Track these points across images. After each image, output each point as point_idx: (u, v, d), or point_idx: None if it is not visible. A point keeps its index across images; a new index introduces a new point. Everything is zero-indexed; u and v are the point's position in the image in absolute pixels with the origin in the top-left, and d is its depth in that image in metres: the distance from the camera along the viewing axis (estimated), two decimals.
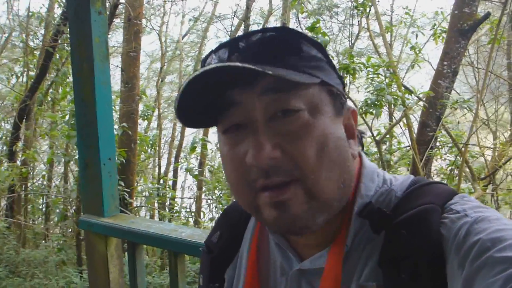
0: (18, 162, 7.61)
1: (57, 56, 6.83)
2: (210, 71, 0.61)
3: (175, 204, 8.54)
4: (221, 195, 8.96)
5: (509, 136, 8.48)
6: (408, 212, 0.64)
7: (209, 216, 9.33)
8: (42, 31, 8.13)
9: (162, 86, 13.66)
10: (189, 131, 13.30)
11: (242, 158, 0.65)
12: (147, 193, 7.02)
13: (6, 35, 10.06)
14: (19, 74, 8.61)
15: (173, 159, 12.47)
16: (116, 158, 2.06)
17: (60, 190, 8.72)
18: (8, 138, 7.64)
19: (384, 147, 6.96)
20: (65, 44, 6.56)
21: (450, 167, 6.14)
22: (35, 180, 8.94)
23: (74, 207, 6.36)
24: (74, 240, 6.21)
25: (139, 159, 7.87)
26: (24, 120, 7.26)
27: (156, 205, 7.93)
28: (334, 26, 10.51)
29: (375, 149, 5.56)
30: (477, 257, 0.54)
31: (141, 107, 8.01)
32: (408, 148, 6.59)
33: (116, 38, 11.32)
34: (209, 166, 11.50)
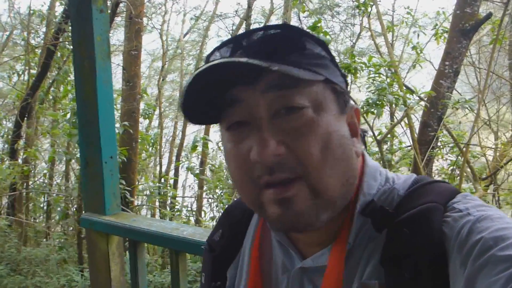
0: (20, 160, 7.63)
1: (59, 54, 6.83)
2: (216, 66, 0.62)
3: (176, 203, 8.54)
4: (222, 194, 8.96)
5: (510, 137, 8.48)
6: (411, 210, 0.64)
7: (210, 215, 9.34)
8: (44, 29, 8.13)
9: (163, 84, 13.67)
10: (190, 130, 13.33)
11: (246, 155, 0.65)
12: (148, 192, 7.02)
13: (8, 33, 10.08)
14: (20, 72, 8.62)
15: (174, 158, 12.48)
16: (118, 156, 2.06)
17: (62, 188, 8.73)
18: (9, 136, 7.64)
19: (385, 146, 6.97)
20: (67, 42, 6.57)
21: (451, 167, 6.13)
22: (36, 178, 8.96)
23: (75, 206, 6.37)
24: (75, 239, 6.22)
25: (140, 158, 7.87)
26: (25, 118, 7.26)
27: (157, 204, 7.94)
28: (335, 26, 10.51)
29: (376, 149, 5.56)
30: (480, 256, 0.54)
31: (142, 105, 8.00)
32: (409, 148, 6.59)
33: (117, 36, 11.33)
34: (210, 165, 11.50)
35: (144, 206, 8.02)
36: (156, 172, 12.05)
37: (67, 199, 7.25)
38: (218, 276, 0.86)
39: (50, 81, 7.59)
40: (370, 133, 5.11)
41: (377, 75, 4.65)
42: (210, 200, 10.21)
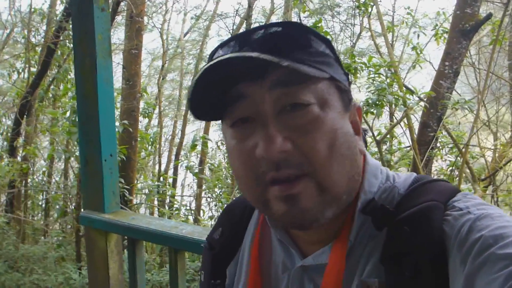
0: (19, 158, 7.62)
1: (59, 52, 6.82)
2: (226, 61, 0.62)
3: (175, 202, 8.54)
4: (221, 193, 8.96)
5: (509, 137, 8.48)
6: (411, 209, 0.65)
7: (209, 214, 9.34)
8: (44, 27, 8.13)
9: (163, 84, 13.67)
10: (189, 129, 13.33)
11: (251, 151, 0.65)
12: (147, 191, 7.02)
13: (8, 31, 10.07)
14: (20, 70, 8.61)
15: (173, 157, 12.48)
16: (117, 155, 2.06)
17: (60, 186, 8.73)
18: (9, 134, 7.64)
19: (384, 147, 6.97)
20: (67, 41, 6.57)
21: (451, 168, 6.14)
22: (35, 176, 8.94)
23: (74, 204, 6.36)
24: (74, 237, 6.21)
25: (139, 157, 7.87)
26: (25, 116, 7.26)
27: (156, 202, 7.94)
28: (335, 26, 10.49)
29: (376, 149, 5.57)
30: (479, 254, 0.54)
31: (142, 104, 8.00)
32: (408, 148, 6.59)
33: (117, 35, 11.32)
34: (210, 164, 11.50)
35: (143, 205, 8.02)
36: (155, 171, 12.05)
37: (66, 197, 7.25)
38: (217, 274, 0.86)
39: (50, 79, 7.59)
40: (370, 133, 5.11)
41: (377, 75, 4.65)
42: (209, 199, 10.22)
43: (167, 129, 14.99)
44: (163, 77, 13.21)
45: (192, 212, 9.32)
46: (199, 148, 8.25)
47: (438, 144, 5.88)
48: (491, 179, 6.65)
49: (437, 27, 6.55)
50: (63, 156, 5.58)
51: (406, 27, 9.17)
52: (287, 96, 0.64)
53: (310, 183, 0.63)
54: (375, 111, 4.36)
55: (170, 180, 10.63)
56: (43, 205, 8.67)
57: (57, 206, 6.36)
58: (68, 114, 4.98)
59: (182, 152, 12.08)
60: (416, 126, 5.51)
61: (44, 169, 8.50)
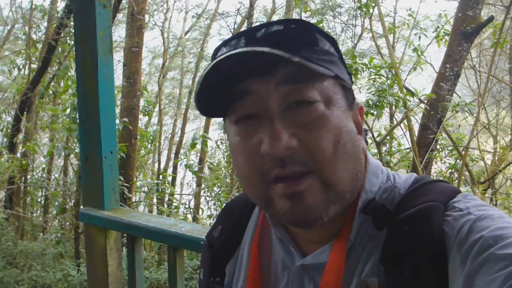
0: (18, 154, 7.62)
1: (60, 49, 6.82)
2: (232, 57, 0.62)
3: (174, 200, 8.54)
4: (220, 192, 8.96)
5: (509, 141, 8.48)
6: (411, 209, 0.65)
7: (208, 213, 9.34)
8: (45, 24, 8.13)
9: (164, 82, 13.67)
10: (189, 127, 13.34)
11: (256, 148, 0.65)
12: (146, 189, 7.02)
13: (9, 27, 10.07)
14: (21, 67, 8.61)
15: (173, 155, 12.47)
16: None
17: (60, 183, 8.72)
18: (9, 130, 7.64)
19: (384, 148, 6.97)
20: (68, 38, 6.56)
21: (450, 170, 6.14)
22: (34, 173, 8.94)
23: (73, 200, 6.36)
24: (72, 233, 6.21)
25: (139, 154, 7.87)
26: (25, 112, 7.25)
27: (155, 200, 7.93)
28: (337, 26, 10.50)
29: (375, 150, 5.57)
30: (479, 254, 0.55)
31: (142, 102, 8.00)
32: (408, 150, 6.60)
33: (118, 33, 11.31)
34: (209, 163, 11.51)
35: (142, 203, 8.02)
36: (154, 169, 12.05)
37: (65, 194, 7.25)
38: (217, 272, 0.86)
39: (51, 76, 7.58)
40: (370, 134, 5.12)
41: (377, 76, 4.65)
42: (208, 198, 10.22)
43: (167, 127, 15.00)
44: (164, 76, 13.21)
45: (191, 210, 9.32)
46: (198, 146, 8.27)
47: (438, 146, 5.88)
48: (490, 182, 6.65)
49: (438, 29, 6.55)
50: (63, 153, 5.58)
51: (408, 28, 9.16)
52: (293, 93, 0.64)
53: (315, 181, 0.63)
54: (375, 112, 4.37)
55: (170, 179, 10.62)
56: (42, 202, 8.66)
57: (56, 203, 6.35)
58: (68, 111, 4.99)
59: (182, 151, 12.09)
60: (416, 128, 5.51)
61: (43, 165, 8.50)
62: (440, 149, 6.22)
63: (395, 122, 6.40)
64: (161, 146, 12.32)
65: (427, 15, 8.62)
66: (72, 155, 6.19)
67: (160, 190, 6.39)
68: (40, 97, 7.56)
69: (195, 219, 8.32)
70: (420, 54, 6.90)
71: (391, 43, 8.30)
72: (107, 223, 1.94)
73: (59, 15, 6.83)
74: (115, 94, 2.10)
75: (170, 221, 1.76)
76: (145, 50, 12.06)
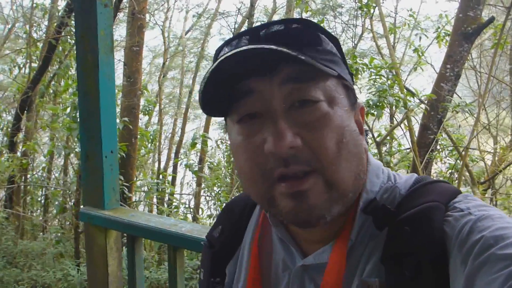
0: (19, 153, 7.61)
1: (60, 48, 6.82)
2: (234, 55, 0.62)
3: (174, 200, 8.54)
4: (220, 192, 8.96)
5: (509, 141, 8.48)
6: (412, 209, 0.65)
7: (208, 212, 9.34)
8: (46, 23, 8.13)
9: (164, 81, 13.67)
10: (189, 127, 13.34)
11: (259, 148, 0.65)
12: (146, 188, 7.03)
13: (10, 25, 10.06)
14: (21, 65, 8.61)
15: (173, 155, 12.48)
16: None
17: (60, 182, 8.72)
18: (9, 129, 7.64)
19: (384, 148, 6.97)
20: (68, 37, 6.56)
21: (450, 171, 6.14)
22: (35, 172, 8.94)
23: (73, 200, 6.36)
24: (72, 233, 6.21)
25: (139, 154, 7.87)
26: (25, 111, 7.25)
27: (155, 200, 7.93)
28: (337, 26, 10.51)
29: (375, 150, 5.57)
30: (480, 254, 0.55)
31: (142, 101, 8.00)
32: (408, 150, 6.60)
33: (119, 32, 11.32)
34: (209, 163, 11.51)
35: (142, 202, 8.02)
36: (154, 169, 12.05)
37: (65, 193, 7.25)
38: (217, 272, 0.86)
39: (51, 75, 7.58)
40: (370, 134, 5.12)
41: (378, 76, 4.66)
42: (208, 197, 10.22)
43: (167, 127, 15.01)
44: (164, 75, 13.20)
45: (191, 210, 9.33)
46: (198, 146, 8.27)
47: (438, 147, 5.88)
48: (490, 182, 6.66)
49: (439, 30, 6.56)
50: (63, 152, 5.57)
51: (408, 29, 9.18)
52: (297, 92, 0.64)
53: (319, 180, 0.63)
54: (375, 113, 4.37)
55: (170, 178, 10.63)
56: (42, 201, 8.66)
57: (56, 202, 6.36)
58: (68, 110, 4.98)
59: (182, 150, 12.10)
60: (416, 128, 5.51)
61: (44, 165, 8.50)
62: (440, 150, 6.23)
63: (395, 122, 6.40)
64: (161, 146, 12.34)
65: (427, 16, 8.63)
66: (72, 155, 6.19)
67: (160, 189, 6.39)
68: (41, 96, 7.57)
69: (195, 219, 8.32)
70: (420, 54, 6.91)
71: (392, 44, 8.30)
72: (107, 222, 1.94)
73: (60, 14, 6.83)
74: (115, 93, 2.10)
75: (170, 221, 1.75)
76: (146, 49, 12.08)
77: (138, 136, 6.75)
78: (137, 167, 7.96)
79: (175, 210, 7.24)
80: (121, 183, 4.92)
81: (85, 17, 1.98)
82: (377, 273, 0.65)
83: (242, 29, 11.48)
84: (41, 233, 7.41)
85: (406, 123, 5.23)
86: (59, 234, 6.61)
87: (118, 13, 6.19)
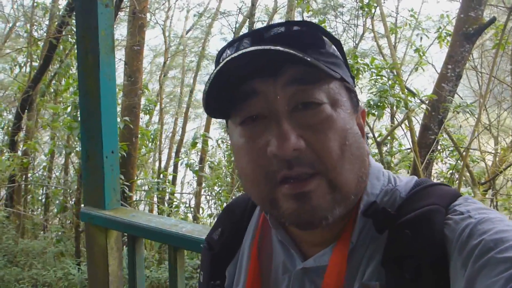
0: (19, 152, 7.62)
1: (61, 47, 6.82)
2: (237, 58, 0.62)
3: (175, 199, 8.54)
4: (220, 191, 8.96)
5: (510, 142, 8.48)
6: (412, 212, 0.65)
7: (208, 212, 9.34)
8: (47, 22, 8.13)
9: (165, 80, 13.67)
10: (190, 126, 13.34)
11: (262, 150, 0.65)
12: (146, 187, 7.02)
13: (11, 24, 10.07)
14: (22, 65, 8.60)
15: (173, 154, 12.49)
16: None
17: (60, 181, 8.73)
18: (9, 128, 7.64)
19: (385, 148, 6.97)
20: (69, 36, 6.56)
21: (451, 171, 6.14)
22: (35, 171, 8.94)
23: (73, 199, 6.37)
24: (73, 232, 6.21)
25: (139, 153, 7.86)
26: (26, 110, 7.26)
27: (155, 199, 7.93)
28: (338, 26, 10.50)
29: (376, 151, 5.57)
30: (480, 257, 0.55)
31: (143, 101, 8.00)
32: (409, 150, 6.60)
33: (120, 31, 11.32)
34: (210, 162, 11.51)
35: (142, 201, 8.02)
36: (155, 168, 12.06)
37: (66, 192, 7.25)
38: (217, 275, 0.86)
39: (52, 74, 7.59)
40: (370, 134, 5.12)
41: (379, 76, 4.65)
42: (208, 197, 10.22)
43: (168, 126, 15.02)
44: (165, 74, 13.21)
45: (192, 209, 9.33)
46: (199, 146, 8.25)
47: (438, 147, 5.87)
48: (491, 183, 6.65)
49: (440, 30, 6.56)
50: (64, 151, 5.57)
51: (409, 29, 9.17)
52: (300, 94, 0.64)
53: (322, 182, 0.63)
54: (376, 113, 4.37)
55: (170, 177, 10.63)
56: (43, 200, 8.66)
57: (57, 201, 6.36)
58: (69, 109, 4.98)
59: (183, 150, 12.10)
60: (417, 128, 5.51)
61: (44, 164, 8.50)
62: (441, 150, 6.22)
63: (396, 122, 6.39)
64: (161, 145, 12.34)
65: (429, 16, 8.64)
66: (72, 154, 6.19)
67: (161, 189, 6.39)
68: (41, 95, 7.57)
69: (195, 218, 8.32)
70: (421, 54, 6.90)
71: (393, 44, 8.29)
72: (108, 223, 1.94)
73: (60, 13, 6.83)
74: (116, 93, 2.10)
75: (170, 221, 1.75)
76: (146, 49, 12.09)
77: (139, 135, 6.75)
78: (137, 166, 7.96)
79: (176, 209, 7.25)
80: (122, 182, 4.92)
81: (86, 17, 1.98)
82: (378, 276, 0.65)
83: (243, 29, 11.49)
84: (41, 232, 7.42)
85: (407, 123, 5.23)
86: (59, 233, 6.62)
87: (119, 12, 6.19)
